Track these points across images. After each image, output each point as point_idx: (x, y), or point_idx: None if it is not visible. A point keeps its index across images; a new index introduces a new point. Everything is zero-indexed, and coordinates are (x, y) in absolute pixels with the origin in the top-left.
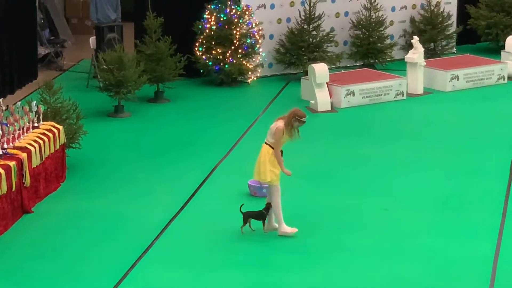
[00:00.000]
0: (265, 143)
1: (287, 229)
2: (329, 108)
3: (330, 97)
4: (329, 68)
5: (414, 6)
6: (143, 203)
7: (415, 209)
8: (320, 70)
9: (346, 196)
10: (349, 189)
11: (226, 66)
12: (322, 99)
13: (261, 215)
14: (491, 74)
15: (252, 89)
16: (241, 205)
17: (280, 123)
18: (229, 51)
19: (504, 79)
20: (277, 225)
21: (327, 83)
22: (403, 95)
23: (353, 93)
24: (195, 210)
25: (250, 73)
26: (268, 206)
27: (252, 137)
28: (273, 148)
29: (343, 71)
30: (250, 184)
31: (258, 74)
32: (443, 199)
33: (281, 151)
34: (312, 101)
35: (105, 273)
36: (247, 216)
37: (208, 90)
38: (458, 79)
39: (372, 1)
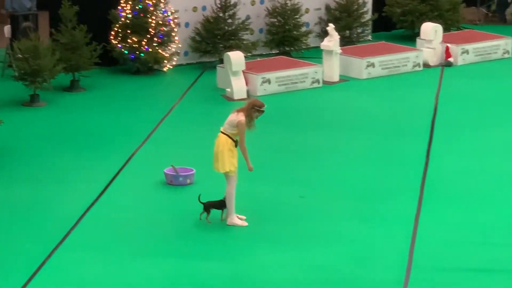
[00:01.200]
0: (222, 132)
1: (237, 221)
2: (245, 96)
3: (246, 85)
4: (245, 56)
5: None
6: (59, 192)
7: (333, 197)
8: (236, 58)
9: (264, 184)
10: (267, 177)
11: (142, 54)
12: (238, 87)
13: (221, 205)
14: (406, 61)
15: (168, 78)
16: (199, 195)
17: (241, 116)
18: (145, 40)
19: (419, 66)
20: (241, 216)
21: (243, 71)
22: (319, 82)
23: (269, 81)
24: (111, 199)
25: (166, 61)
26: None
27: (168, 126)
28: (231, 138)
29: (259, 59)
30: (166, 172)
31: (174, 63)
32: (360, 187)
33: (236, 141)
34: (228, 89)
35: (20, 264)
36: (209, 206)
37: (124, 79)
38: (373, 66)
39: None
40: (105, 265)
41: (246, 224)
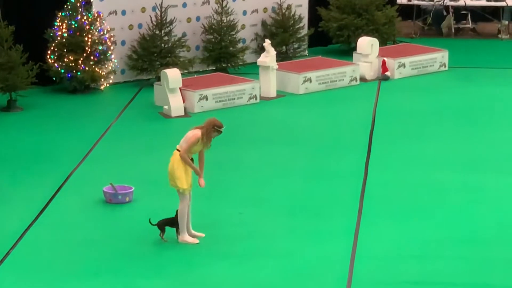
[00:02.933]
0: (177, 149)
1: (189, 238)
2: (183, 113)
3: (183, 102)
4: (181, 73)
5: (265, 10)
6: None
7: (272, 213)
8: (173, 75)
9: (201, 200)
10: (205, 194)
11: (79, 73)
12: (175, 104)
13: (173, 222)
14: (343, 76)
15: (105, 96)
16: (150, 219)
17: (197, 131)
18: (81, 58)
19: (356, 80)
20: (196, 233)
21: (180, 88)
22: (256, 98)
23: (206, 98)
24: (50, 219)
25: (102, 80)
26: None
27: (106, 144)
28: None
29: (195, 75)
30: (105, 191)
31: (111, 81)
32: (299, 202)
33: (192, 159)
34: (165, 107)
35: None
36: (163, 224)
37: (61, 98)
38: (310, 81)
39: (223, 6)
40: (45, 286)
41: (197, 241)
